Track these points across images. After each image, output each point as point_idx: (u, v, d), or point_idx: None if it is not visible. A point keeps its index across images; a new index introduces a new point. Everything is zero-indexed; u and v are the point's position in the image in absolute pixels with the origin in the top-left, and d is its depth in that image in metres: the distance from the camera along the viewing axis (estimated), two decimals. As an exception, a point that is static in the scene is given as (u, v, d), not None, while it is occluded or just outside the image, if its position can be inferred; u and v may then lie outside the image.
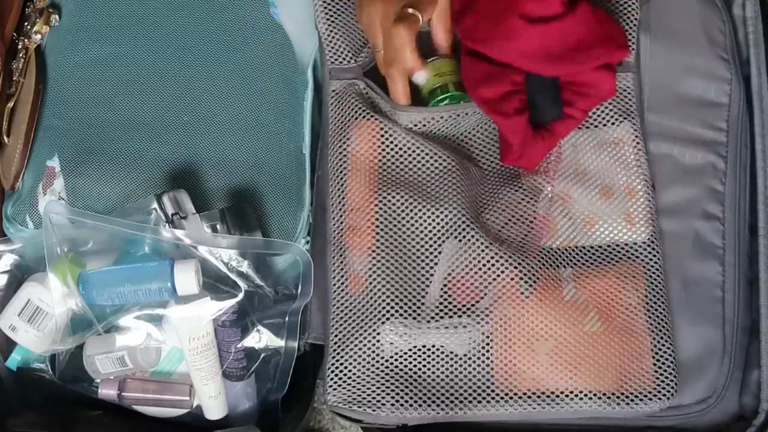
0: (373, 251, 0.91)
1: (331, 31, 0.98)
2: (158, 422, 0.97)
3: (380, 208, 0.91)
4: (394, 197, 0.91)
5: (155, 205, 0.91)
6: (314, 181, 0.98)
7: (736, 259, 0.95)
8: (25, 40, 1.01)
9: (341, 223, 0.92)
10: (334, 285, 0.92)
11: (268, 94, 0.99)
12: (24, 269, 0.96)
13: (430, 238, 0.90)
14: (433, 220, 0.90)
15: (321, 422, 1.08)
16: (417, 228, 0.91)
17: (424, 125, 0.94)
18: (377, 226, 0.91)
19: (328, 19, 0.98)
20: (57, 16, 1.02)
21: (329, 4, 0.98)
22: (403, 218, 0.91)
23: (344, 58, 0.97)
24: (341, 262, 0.92)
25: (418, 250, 0.91)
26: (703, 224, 0.95)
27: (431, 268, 0.90)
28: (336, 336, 0.90)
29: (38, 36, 1.01)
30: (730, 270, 0.94)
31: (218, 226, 0.92)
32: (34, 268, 0.95)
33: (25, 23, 1.02)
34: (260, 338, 0.94)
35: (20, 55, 1.00)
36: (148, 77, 1.00)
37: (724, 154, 0.97)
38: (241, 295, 0.91)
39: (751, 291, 0.96)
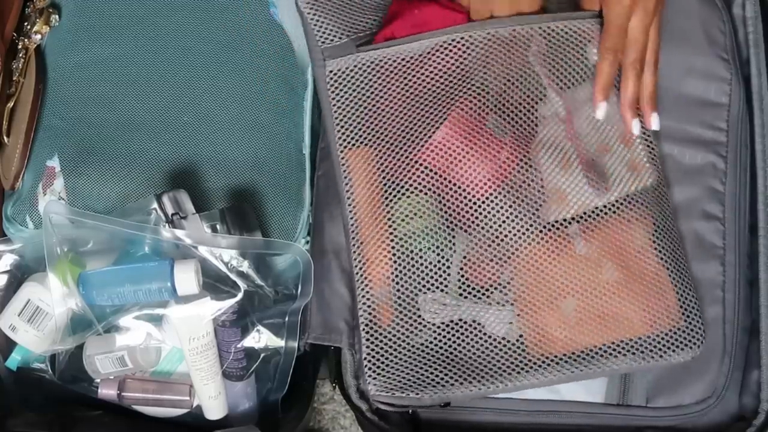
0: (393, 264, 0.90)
1: (316, 10, 0.92)
2: (158, 422, 0.97)
3: (392, 211, 0.91)
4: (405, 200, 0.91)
5: (155, 205, 0.91)
6: (314, 181, 0.98)
7: (737, 259, 0.95)
8: (25, 40, 1.01)
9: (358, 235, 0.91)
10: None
11: (268, 94, 0.99)
12: (24, 269, 0.96)
13: (444, 231, 0.90)
14: (440, 216, 0.90)
15: (321, 422, 1.08)
16: (428, 226, 0.90)
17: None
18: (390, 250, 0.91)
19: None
20: (57, 16, 1.02)
21: None
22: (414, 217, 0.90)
23: (335, 36, 0.92)
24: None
25: (435, 243, 0.90)
26: (703, 224, 0.95)
27: (449, 257, 0.90)
28: (366, 327, 0.90)
29: (38, 36, 1.01)
30: (731, 270, 0.94)
31: (218, 226, 0.92)
32: (34, 268, 0.95)
33: (25, 23, 1.02)
34: (260, 338, 0.94)
35: (20, 55, 1.00)
36: (148, 77, 1.00)
37: (724, 154, 0.97)
38: (240, 295, 0.91)
39: (751, 291, 0.96)
